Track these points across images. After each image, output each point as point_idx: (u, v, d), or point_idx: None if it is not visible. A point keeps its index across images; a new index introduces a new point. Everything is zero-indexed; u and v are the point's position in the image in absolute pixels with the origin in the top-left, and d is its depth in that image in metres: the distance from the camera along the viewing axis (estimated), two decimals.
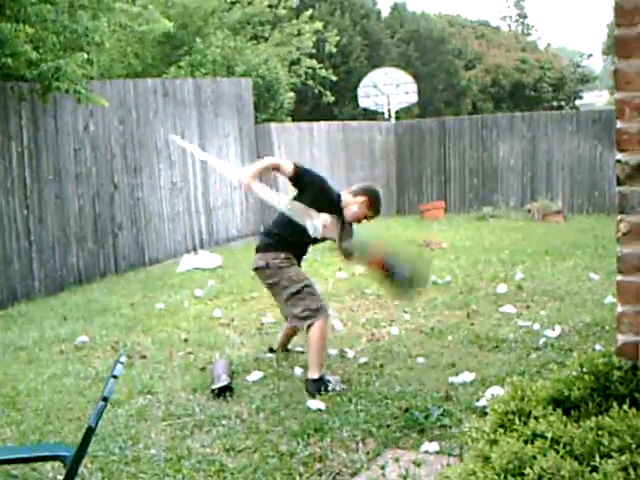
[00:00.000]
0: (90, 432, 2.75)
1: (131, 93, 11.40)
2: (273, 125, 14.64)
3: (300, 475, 4.03)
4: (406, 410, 4.79)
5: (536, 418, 2.25)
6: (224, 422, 4.83)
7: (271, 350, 6.29)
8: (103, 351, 6.69)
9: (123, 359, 3.03)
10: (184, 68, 15.35)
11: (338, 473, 4.06)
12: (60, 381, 5.89)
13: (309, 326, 5.37)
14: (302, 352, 6.07)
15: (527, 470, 1.97)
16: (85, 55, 9.59)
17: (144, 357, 6.41)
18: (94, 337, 7.12)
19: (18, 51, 8.91)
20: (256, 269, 5.66)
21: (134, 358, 6.34)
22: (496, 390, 4.76)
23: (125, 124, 11.24)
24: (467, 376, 5.36)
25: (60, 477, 3.02)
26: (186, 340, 6.87)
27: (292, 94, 17.96)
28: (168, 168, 12.02)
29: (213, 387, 5.35)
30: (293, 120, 17.50)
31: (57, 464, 4.08)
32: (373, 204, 5.69)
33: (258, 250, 5.68)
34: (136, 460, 4.32)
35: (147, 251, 11.55)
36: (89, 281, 10.28)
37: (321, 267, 9.92)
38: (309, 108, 24.59)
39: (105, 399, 2.79)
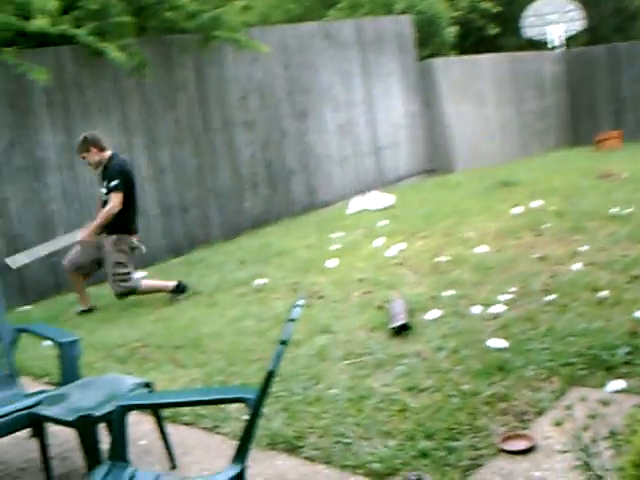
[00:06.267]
0: (270, 376, 2.78)
1: (292, 38, 11.41)
2: (435, 61, 14.26)
3: (484, 414, 3.93)
4: (591, 347, 4.59)
5: None
6: (404, 361, 4.78)
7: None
8: (282, 292, 6.81)
9: (301, 302, 3.01)
10: (343, 10, 15.20)
11: (523, 413, 3.94)
12: (241, 323, 6.05)
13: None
14: None
15: None
16: (242, 2, 9.72)
17: (322, 297, 6.47)
18: (272, 279, 7.26)
19: (177, 4, 9.16)
20: None
21: (312, 298, 6.42)
22: None
23: (289, 69, 11.28)
24: None
25: (245, 417, 3.08)
26: (361, 280, 6.87)
27: (455, 27, 17.43)
28: (334, 111, 12.00)
29: (392, 325, 5.32)
30: (459, 53, 17.01)
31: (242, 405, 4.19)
32: None
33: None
34: (318, 400, 4.36)
35: (318, 194, 11.64)
36: (264, 225, 10.50)
37: (495, 203, 9.64)
38: (472, 41, 23.82)
39: (284, 342, 2.80)
